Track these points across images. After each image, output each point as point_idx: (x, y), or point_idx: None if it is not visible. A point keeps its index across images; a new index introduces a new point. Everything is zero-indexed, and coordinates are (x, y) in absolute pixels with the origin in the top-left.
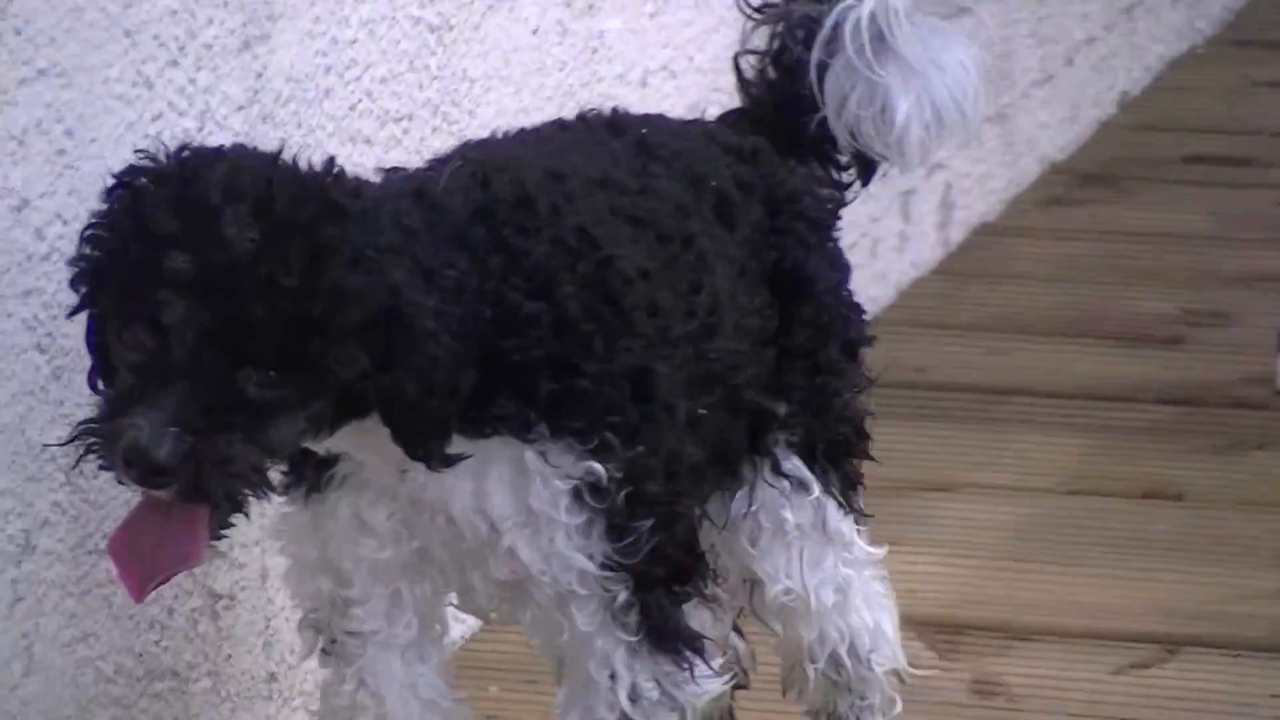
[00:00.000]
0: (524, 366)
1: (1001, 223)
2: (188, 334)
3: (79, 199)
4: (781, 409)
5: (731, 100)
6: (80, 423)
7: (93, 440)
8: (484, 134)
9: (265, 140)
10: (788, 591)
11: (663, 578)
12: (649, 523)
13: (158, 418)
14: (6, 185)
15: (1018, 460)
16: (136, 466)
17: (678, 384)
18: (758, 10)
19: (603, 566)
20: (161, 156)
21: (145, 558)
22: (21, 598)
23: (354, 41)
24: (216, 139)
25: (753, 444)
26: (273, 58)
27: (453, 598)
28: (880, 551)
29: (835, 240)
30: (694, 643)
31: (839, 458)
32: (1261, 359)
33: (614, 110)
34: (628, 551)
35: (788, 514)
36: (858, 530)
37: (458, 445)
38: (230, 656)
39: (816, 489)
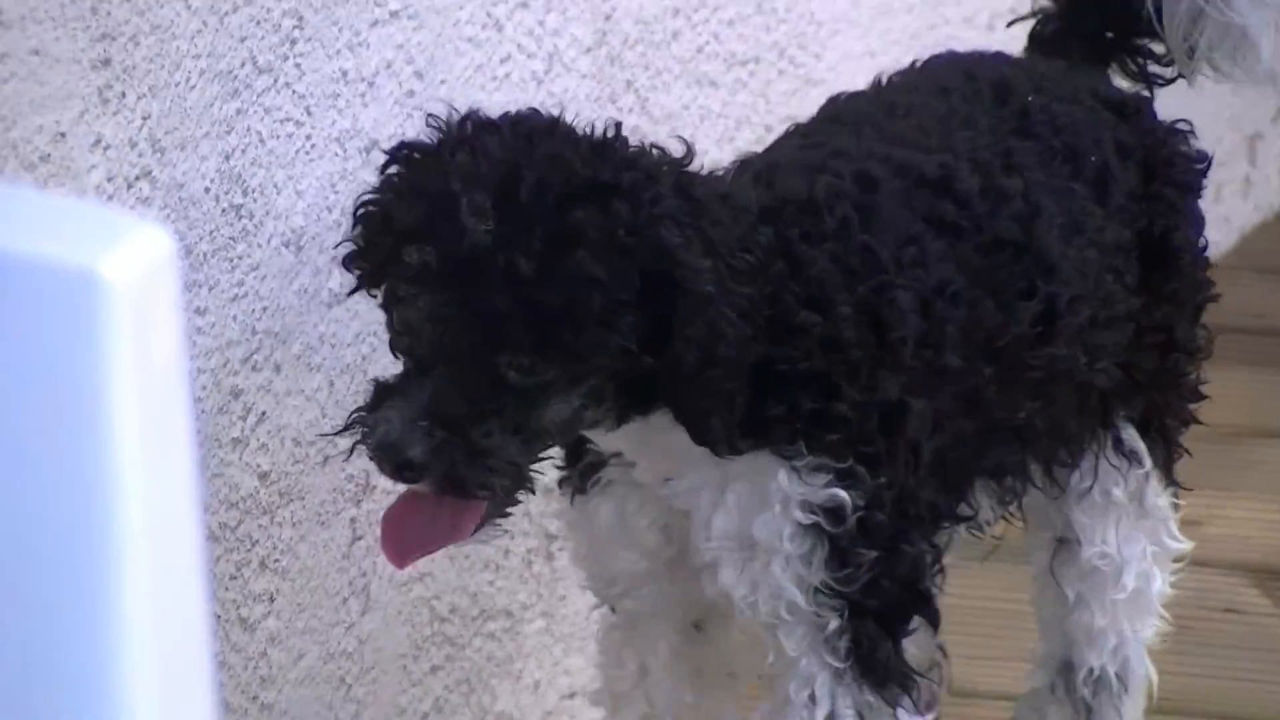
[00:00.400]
0: (789, 378)
1: None
2: (430, 326)
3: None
4: (1129, 386)
5: None
6: (353, 411)
7: (358, 431)
8: (830, 77)
9: (613, 82)
10: (1103, 555)
11: (878, 611)
12: (872, 555)
13: (410, 411)
14: (356, 126)
15: None
16: (388, 463)
17: (928, 418)
18: None
19: (816, 595)
20: (440, 127)
21: (410, 533)
22: (360, 536)
23: None
24: (563, 81)
25: (1099, 418)
26: (622, 0)
27: None
28: (1186, 546)
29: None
30: (904, 679)
31: (1173, 430)
32: None
33: (1009, 63)
34: (845, 581)
35: (1119, 488)
36: (1174, 508)
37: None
38: (564, 597)
39: (1148, 462)
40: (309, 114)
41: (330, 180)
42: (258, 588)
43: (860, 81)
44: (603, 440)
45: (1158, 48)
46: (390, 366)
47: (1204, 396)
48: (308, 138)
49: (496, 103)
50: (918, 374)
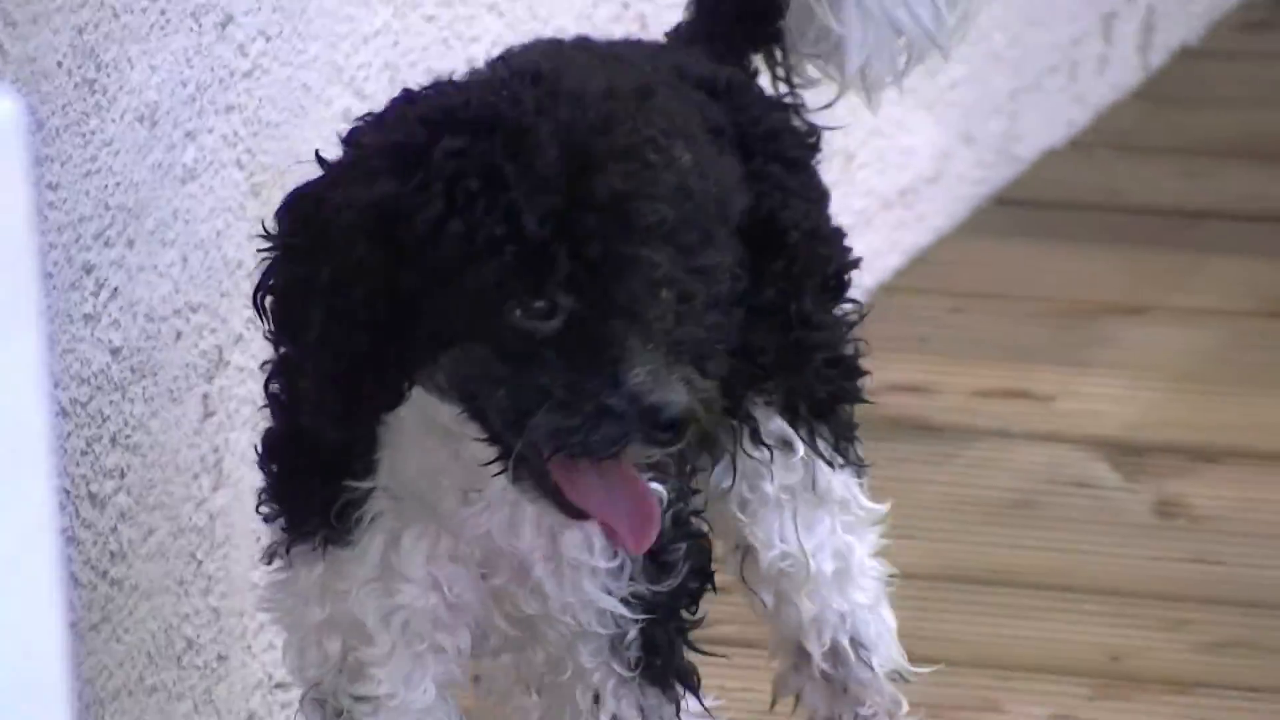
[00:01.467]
0: None
1: (1203, 46)
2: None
3: (283, 15)
4: (753, 372)
5: None
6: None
7: (588, 427)
8: None
9: None
10: (784, 556)
11: (674, 608)
12: (683, 549)
13: (661, 376)
14: (211, 1)
15: (1210, 283)
16: (671, 429)
17: None
18: None
19: (629, 606)
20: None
21: (642, 506)
22: (212, 412)
23: None
24: None
25: (728, 410)
26: None
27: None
28: (883, 508)
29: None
30: (688, 677)
31: (827, 409)
32: None
33: (580, 37)
34: (664, 584)
35: (769, 482)
36: (858, 484)
37: None
38: None
39: (801, 448)
40: None
41: (185, 55)
42: (109, 463)
43: None
44: (400, 463)
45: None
46: (243, 244)
47: (861, 373)
48: (162, 12)
49: None
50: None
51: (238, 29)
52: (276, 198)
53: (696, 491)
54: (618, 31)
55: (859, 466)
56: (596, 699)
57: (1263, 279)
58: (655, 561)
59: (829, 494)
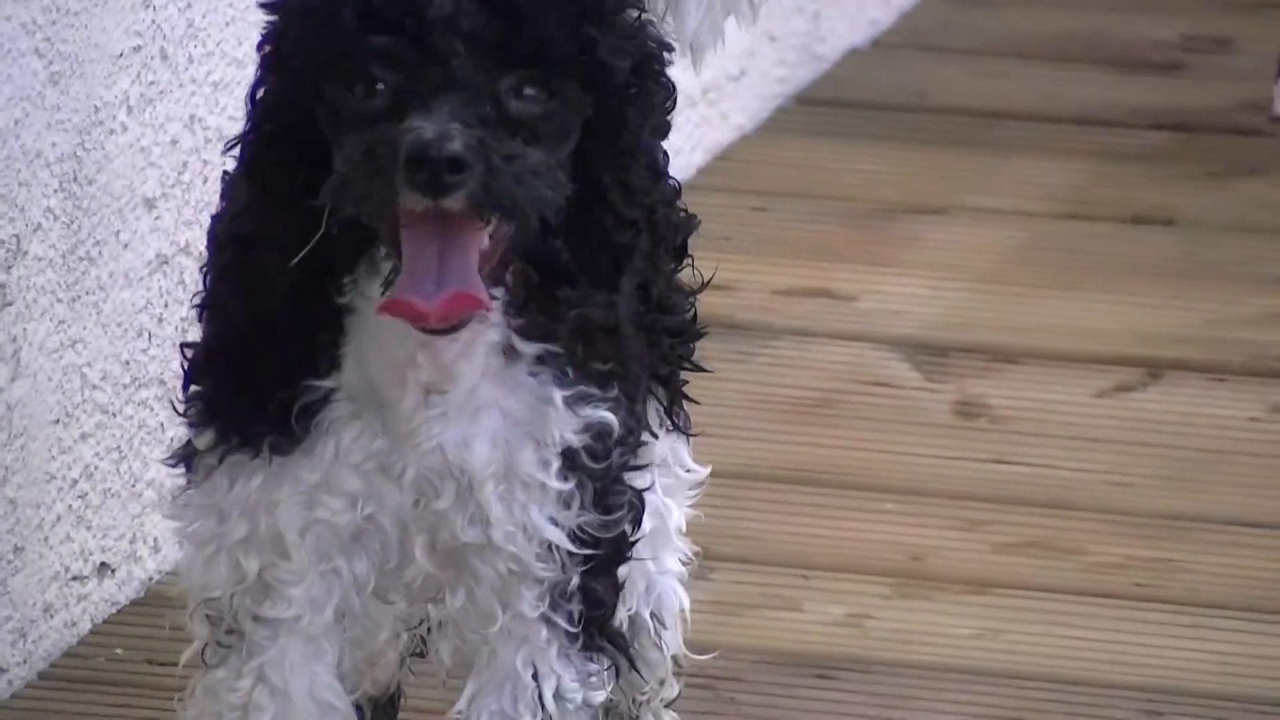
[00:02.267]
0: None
1: None
2: (454, 40)
3: None
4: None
5: None
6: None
7: (359, 182)
8: None
9: None
10: None
11: (613, 560)
12: (628, 493)
13: (438, 118)
14: None
15: (1011, 184)
16: (429, 166)
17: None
18: None
19: (574, 541)
20: None
21: (444, 268)
22: (10, 302)
23: None
24: None
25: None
26: None
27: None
28: (704, 472)
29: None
30: (621, 642)
31: (666, 378)
32: (1259, 86)
33: None
34: (609, 527)
35: None
36: (685, 447)
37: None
38: None
39: None
40: None
41: None
42: None
43: None
44: (365, 353)
45: None
46: (42, 134)
47: (697, 335)
48: None
49: None
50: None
51: None
52: (76, 87)
53: (643, 444)
54: None
55: (686, 433)
56: (537, 674)
57: (1059, 180)
58: (601, 498)
59: (650, 452)
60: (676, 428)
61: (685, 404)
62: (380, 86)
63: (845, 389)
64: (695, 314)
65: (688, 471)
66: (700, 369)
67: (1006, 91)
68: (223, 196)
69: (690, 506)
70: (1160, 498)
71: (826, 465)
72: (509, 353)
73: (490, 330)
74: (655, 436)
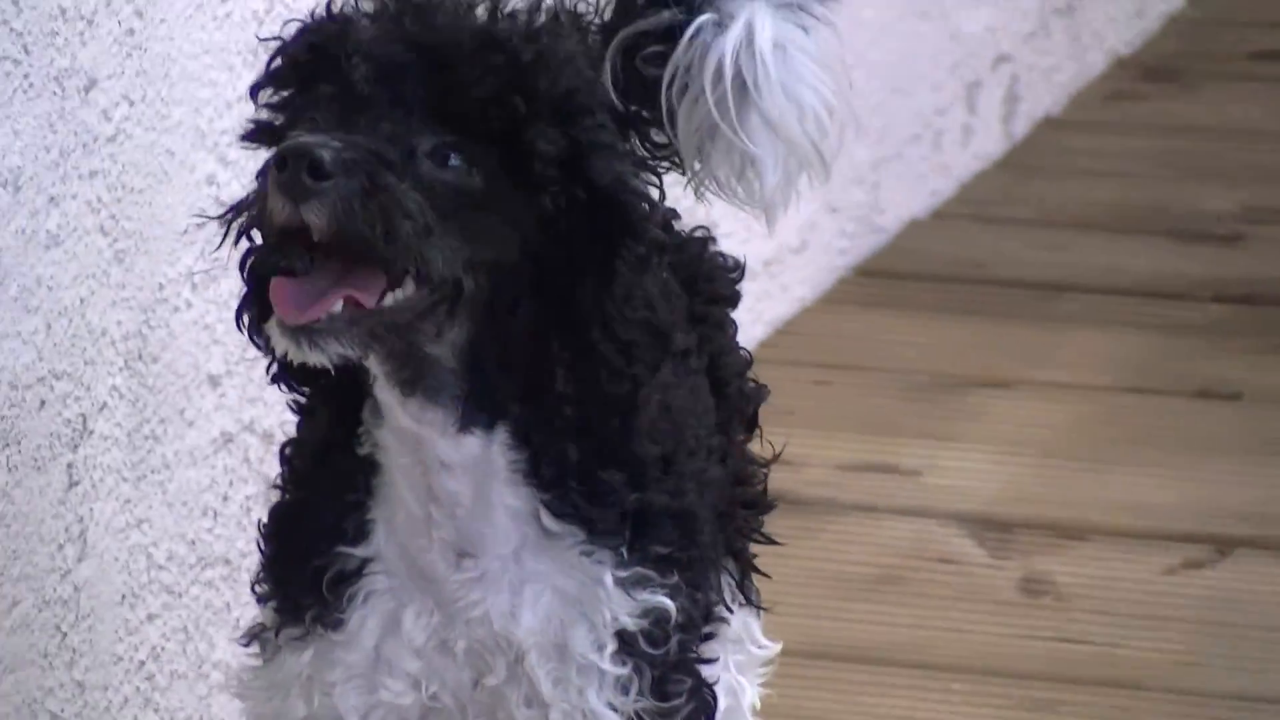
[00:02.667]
0: (626, 460)
1: (1066, 116)
2: (367, 85)
3: (146, 80)
4: None
5: None
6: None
7: (248, 206)
8: None
9: None
10: None
11: None
12: (688, 684)
13: (323, 136)
14: (75, 65)
15: (1074, 357)
16: (293, 165)
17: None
18: None
19: None
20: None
21: (308, 285)
22: (77, 482)
23: None
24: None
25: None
26: None
27: None
28: (776, 648)
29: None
30: None
31: (738, 551)
32: None
33: None
34: (667, 715)
35: None
36: (757, 623)
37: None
38: None
39: None
40: (26, 52)
41: (48, 120)
42: None
43: None
44: (391, 516)
45: (661, 138)
46: (107, 311)
47: (767, 507)
48: (25, 76)
49: (217, 42)
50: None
51: (101, 94)
52: (141, 264)
53: (709, 636)
54: None
55: (758, 607)
56: None
57: (1122, 353)
58: (660, 685)
59: (725, 630)
60: (749, 602)
61: (755, 578)
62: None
63: (910, 565)
64: (766, 486)
65: (760, 648)
66: (772, 542)
67: (1067, 263)
68: None
69: (760, 684)
70: (1230, 678)
71: (892, 643)
72: (546, 532)
73: (505, 492)
74: (731, 611)
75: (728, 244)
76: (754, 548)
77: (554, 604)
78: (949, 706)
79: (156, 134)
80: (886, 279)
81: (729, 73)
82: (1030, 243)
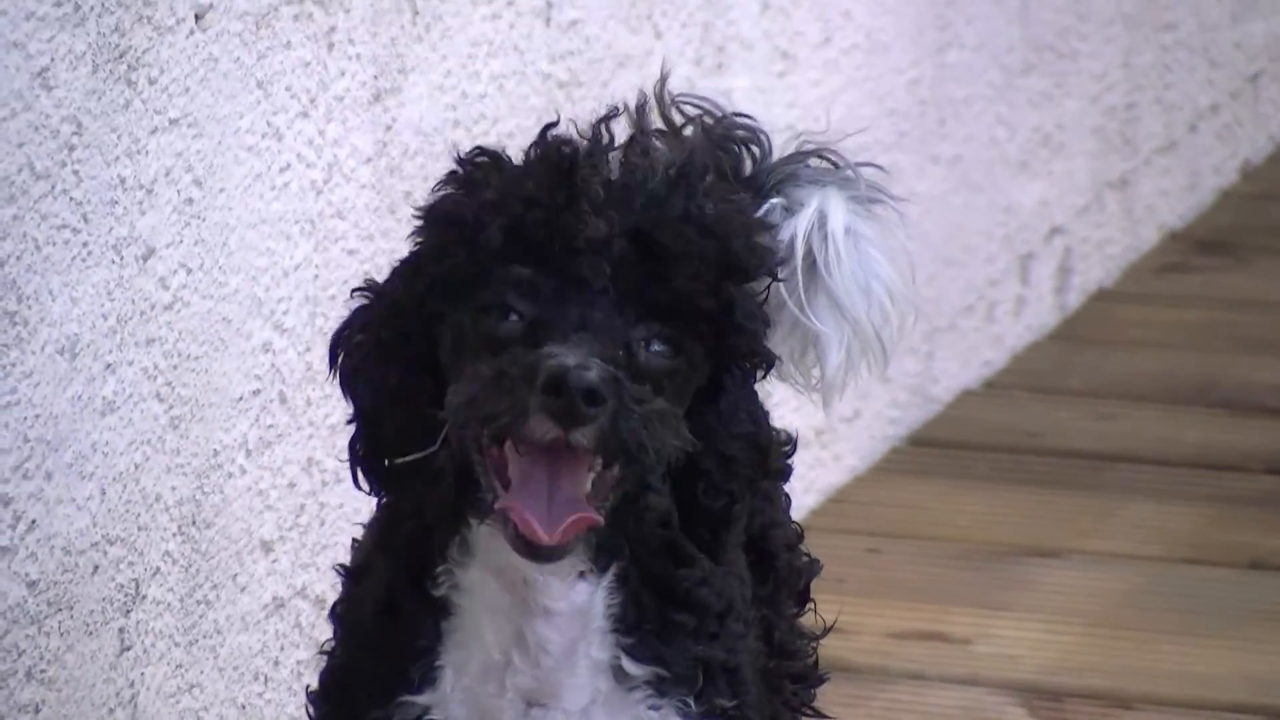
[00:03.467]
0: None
1: (1118, 288)
2: (600, 279)
3: (204, 249)
4: None
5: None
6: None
7: (488, 401)
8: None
9: (391, 192)
10: None
11: None
12: None
13: (577, 350)
14: (133, 233)
15: (1125, 527)
16: (566, 394)
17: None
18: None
19: None
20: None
21: (555, 499)
22: (129, 646)
23: (483, 96)
24: (342, 191)
25: None
26: (402, 111)
27: None
28: None
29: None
30: None
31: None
32: None
33: None
34: None
35: None
36: None
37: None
38: None
39: None
40: (86, 220)
41: (106, 287)
42: (23, 698)
43: None
44: (463, 661)
45: None
46: (161, 477)
47: (819, 680)
48: (84, 244)
49: (275, 212)
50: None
51: (159, 261)
52: (196, 431)
53: None
54: None
55: None
56: None
57: (1175, 524)
58: None
59: None
60: None
61: None
62: (514, 317)
63: None
64: (816, 659)
65: None
66: (822, 715)
67: (1119, 433)
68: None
69: None
70: None
71: None
72: (618, 675)
73: (594, 641)
74: None
75: (780, 413)
76: None
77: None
78: None
79: (213, 302)
80: (939, 448)
81: (800, 252)
82: (1082, 413)
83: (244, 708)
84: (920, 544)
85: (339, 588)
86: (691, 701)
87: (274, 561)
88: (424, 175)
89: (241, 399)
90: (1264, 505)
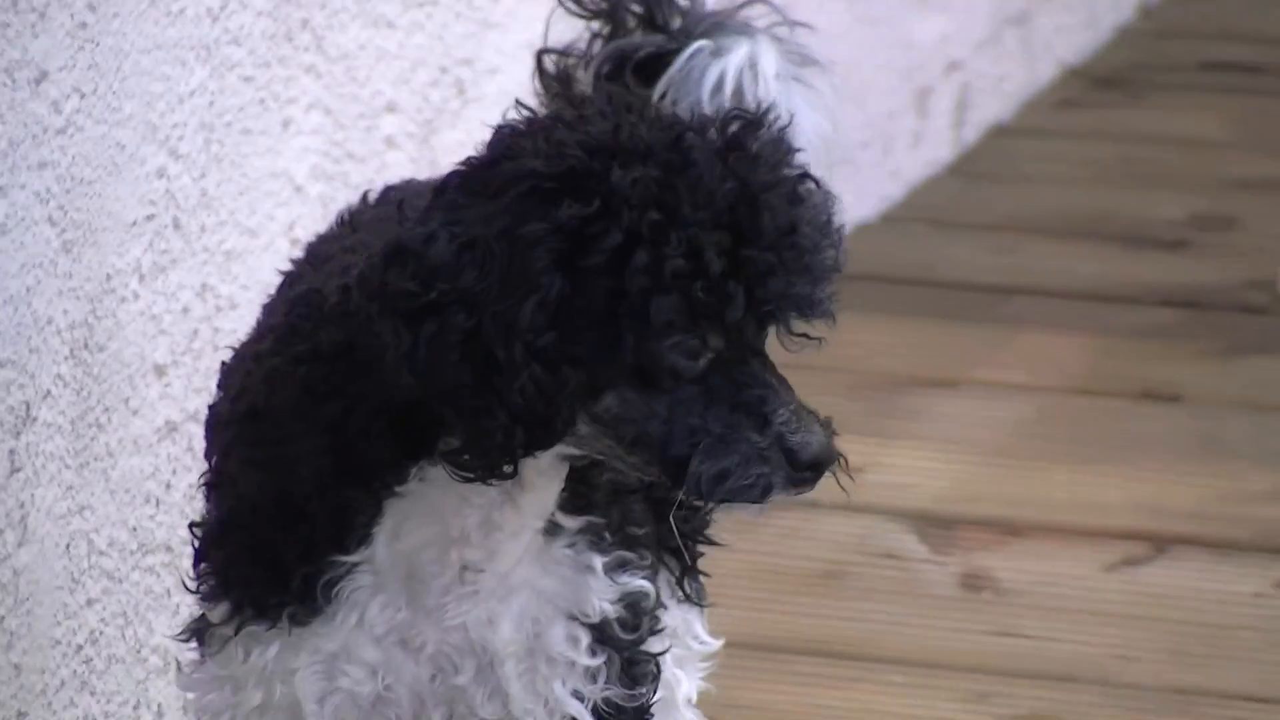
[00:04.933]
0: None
1: (1016, 124)
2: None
3: (98, 73)
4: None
5: None
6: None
7: (740, 471)
8: (507, 21)
9: (288, 20)
10: None
11: None
12: (654, 671)
13: (807, 423)
14: (25, 57)
15: (1020, 359)
16: (819, 474)
17: None
18: (586, 7)
19: (597, 715)
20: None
21: None
22: (19, 468)
23: None
24: (239, 18)
25: None
26: None
27: None
28: (717, 644)
29: None
30: None
31: (671, 543)
32: (1266, 265)
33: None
34: (633, 699)
35: None
36: (699, 619)
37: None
38: None
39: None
40: None
41: None
42: None
43: (538, 28)
44: (407, 532)
45: None
46: (54, 300)
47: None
48: None
49: (170, 38)
50: None
51: (52, 85)
52: (89, 255)
53: (658, 624)
54: (434, 96)
55: (700, 605)
56: None
57: (1069, 355)
58: (629, 669)
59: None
60: (688, 598)
61: (700, 575)
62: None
63: (852, 561)
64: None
65: (700, 643)
66: (711, 542)
67: (1015, 267)
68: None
69: (701, 678)
70: (1165, 672)
71: (833, 637)
72: (551, 529)
73: (543, 516)
74: (664, 607)
75: None
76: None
77: (534, 606)
78: (889, 698)
79: (107, 127)
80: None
81: (729, 88)
82: (978, 247)
83: (135, 530)
84: (815, 374)
85: None
86: (607, 534)
87: (167, 386)
88: (321, 3)
89: (135, 224)
90: (1156, 337)
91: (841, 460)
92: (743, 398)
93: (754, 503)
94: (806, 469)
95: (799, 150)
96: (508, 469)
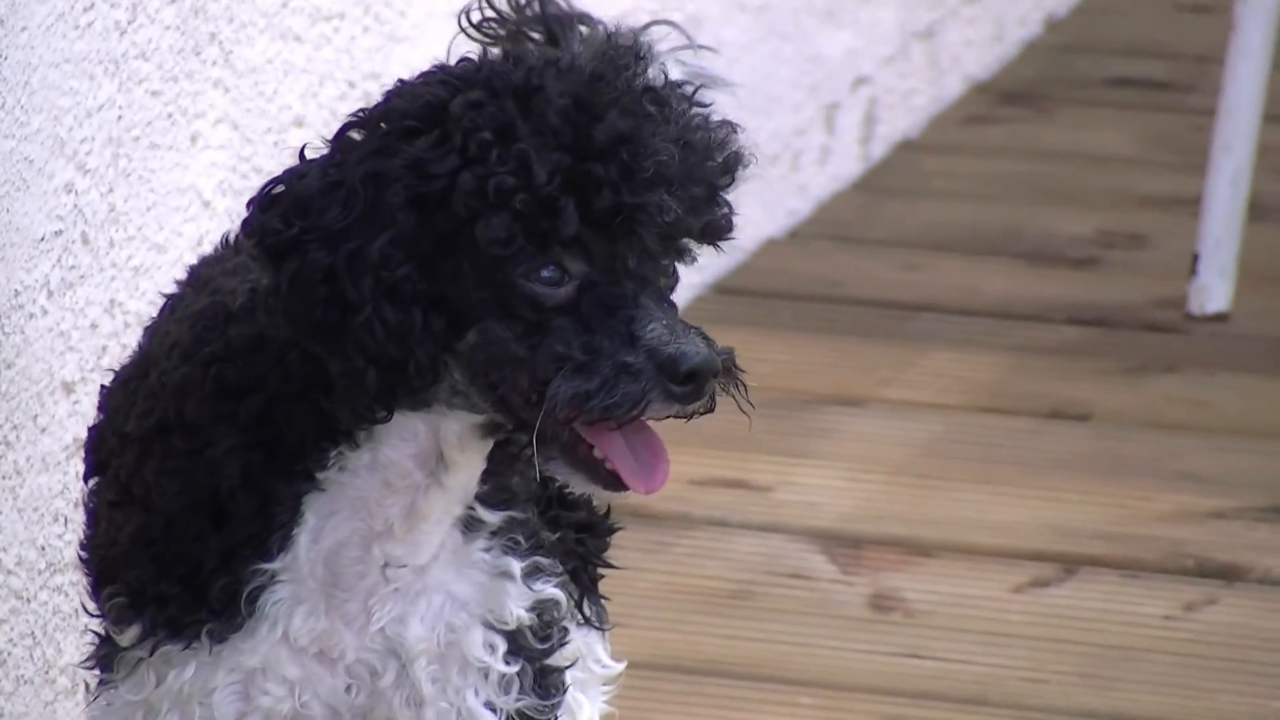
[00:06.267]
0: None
1: (923, 139)
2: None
3: (6, 87)
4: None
5: None
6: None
7: (608, 387)
8: (415, 35)
9: (196, 34)
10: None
11: None
12: (565, 674)
13: (682, 335)
14: None
15: (927, 376)
16: (703, 387)
17: None
18: (477, 27)
19: None
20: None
21: (662, 452)
22: None
23: None
24: (146, 32)
25: None
26: None
27: None
28: (619, 667)
29: None
30: None
31: (568, 566)
32: (1174, 283)
33: None
34: (544, 711)
35: None
36: (600, 642)
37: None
38: None
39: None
40: None
41: None
42: None
43: (446, 42)
44: (330, 530)
45: None
46: None
47: (608, 530)
48: None
49: (78, 52)
50: None
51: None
52: None
53: (566, 636)
54: (342, 110)
55: (600, 629)
56: None
57: (975, 373)
58: (541, 679)
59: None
60: (587, 622)
61: (601, 599)
62: (568, 280)
63: (761, 580)
64: (609, 509)
65: (602, 666)
66: (609, 565)
67: (922, 283)
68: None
69: (604, 701)
70: (1074, 694)
71: (741, 657)
72: (470, 524)
73: (462, 504)
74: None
75: None
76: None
77: (447, 609)
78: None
79: (15, 141)
80: (742, 297)
81: None
82: (885, 263)
83: (43, 549)
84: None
85: None
86: (521, 538)
87: (75, 403)
88: (229, 16)
89: (43, 239)
90: (1064, 355)
91: (729, 367)
92: (611, 320)
93: (626, 419)
94: (685, 380)
95: (658, 67)
96: (380, 414)
